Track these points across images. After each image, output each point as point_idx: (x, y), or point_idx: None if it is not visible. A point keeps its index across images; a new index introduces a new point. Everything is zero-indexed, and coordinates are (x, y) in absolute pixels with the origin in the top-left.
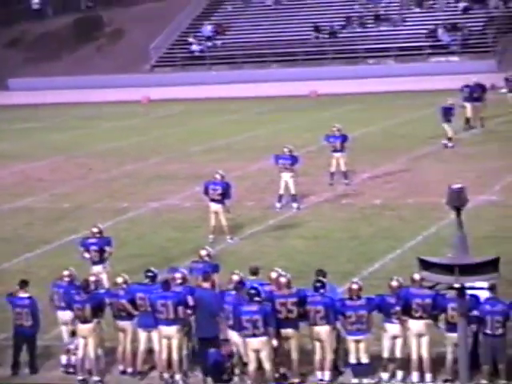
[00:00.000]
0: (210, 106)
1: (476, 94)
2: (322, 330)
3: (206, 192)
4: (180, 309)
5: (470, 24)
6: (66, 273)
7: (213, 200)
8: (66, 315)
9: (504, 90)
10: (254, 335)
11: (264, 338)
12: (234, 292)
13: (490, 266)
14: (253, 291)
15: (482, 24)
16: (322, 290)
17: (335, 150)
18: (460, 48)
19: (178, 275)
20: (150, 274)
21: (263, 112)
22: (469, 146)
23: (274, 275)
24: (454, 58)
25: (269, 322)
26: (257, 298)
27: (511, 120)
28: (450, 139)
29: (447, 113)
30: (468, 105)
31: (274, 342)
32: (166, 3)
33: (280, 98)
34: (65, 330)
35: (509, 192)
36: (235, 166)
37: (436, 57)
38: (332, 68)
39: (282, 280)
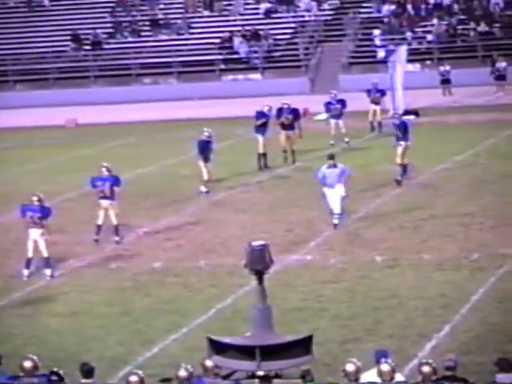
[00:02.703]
0: None
1: (288, 120)
2: None
3: None
4: None
5: (275, 32)
6: None
7: None
8: None
9: (321, 117)
10: None
11: None
12: None
13: (300, 347)
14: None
15: (290, 32)
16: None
17: (104, 197)
18: (263, 62)
19: None
20: None
21: (3, 148)
22: (273, 189)
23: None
24: (255, 76)
25: None
26: None
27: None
28: (206, 183)
29: (204, 148)
30: (260, 137)
31: None
32: None
33: (26, 130)
34: None
35: (326, 250)
36: None
37: (231, 74)
38: (96, 89)
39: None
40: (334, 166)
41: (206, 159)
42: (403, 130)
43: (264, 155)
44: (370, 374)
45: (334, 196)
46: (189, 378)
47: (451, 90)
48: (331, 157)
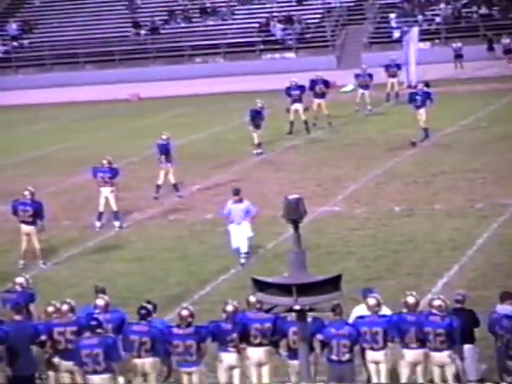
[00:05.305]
0: (17, 114)
1: (319, 89)
2: (147, 363)
3: (15, 213)
4: None
5: (306, 16)
6: None
7: (23, 222)
8: None
9: (346, 89)
10: (95, 372)
11: (106, 376)
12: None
13: (330, 285)
14: (94, 322)
15: (319, 16)
16: (148, 318)
17: (162, 161)
18: (296, 43)
19: None
20: None
21: (77, 119)
22: (306, 151)
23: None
24: (290, 54)
25: (111, 356)
26: (99, 330)
27: (355, 120)
28: (258, 146)
29: (256, 116)
30: (291, 108)
31: (121, 380)
32: None
33: (96, 103)
34: None
35: (352, 202)
36: (48, 181)
37: (270, 53)
38: (155, 68)
39: (64, 308)
40: (240, 201)
41: (257, 126)
42: (425, 98)
43: (292, 123)
44: (360, 309)
45: (240, 235)
46: (235, 312)
47: (463, 64)
48: (236, 192)
